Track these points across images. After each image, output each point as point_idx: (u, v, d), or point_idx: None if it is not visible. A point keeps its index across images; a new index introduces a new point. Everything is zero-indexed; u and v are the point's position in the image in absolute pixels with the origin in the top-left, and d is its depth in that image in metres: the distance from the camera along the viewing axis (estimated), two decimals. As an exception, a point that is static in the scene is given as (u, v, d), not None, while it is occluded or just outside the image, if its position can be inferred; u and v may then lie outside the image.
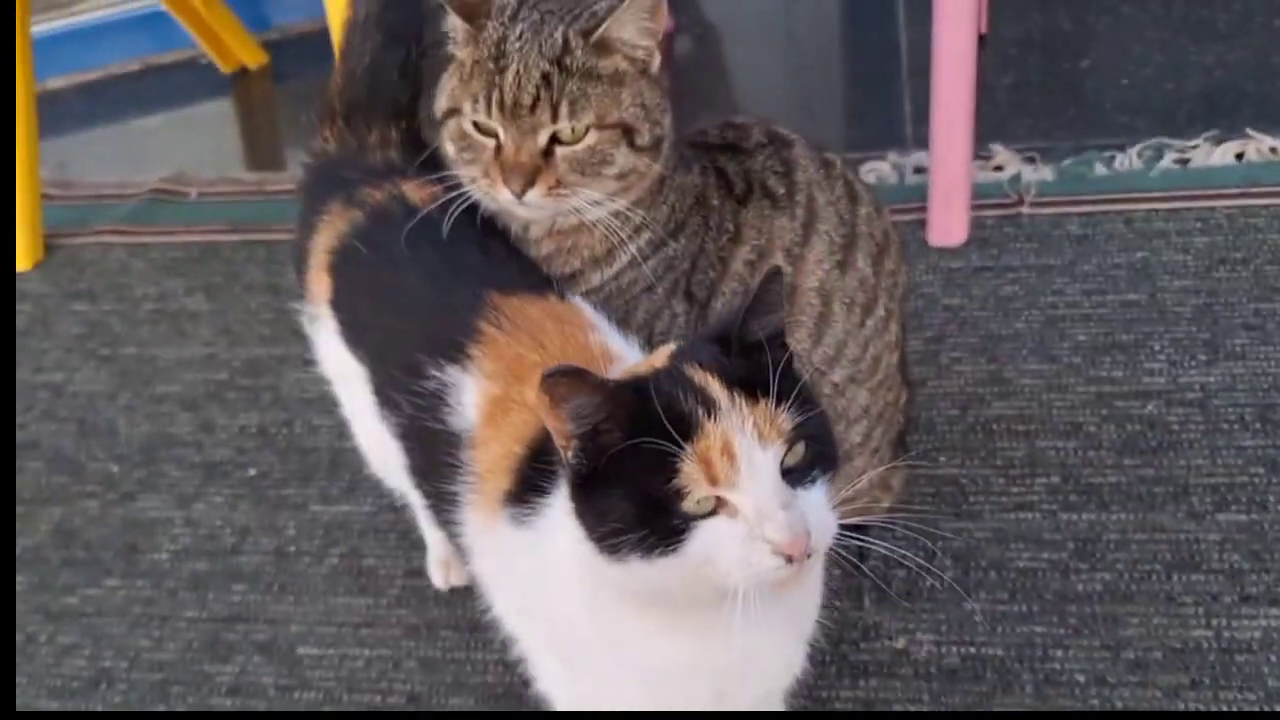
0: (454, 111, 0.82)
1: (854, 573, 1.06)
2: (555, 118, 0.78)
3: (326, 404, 1.29)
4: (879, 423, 0.98)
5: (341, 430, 1.25)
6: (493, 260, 0.84)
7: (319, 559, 1.14)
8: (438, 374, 0.79)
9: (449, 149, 0.83)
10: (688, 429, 0.60)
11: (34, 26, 1.51)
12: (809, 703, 0.98)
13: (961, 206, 1.40)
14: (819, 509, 0.63)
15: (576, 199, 0.80)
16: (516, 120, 0.78)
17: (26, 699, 1.06)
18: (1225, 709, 0.93)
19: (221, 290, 1.48)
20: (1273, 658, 0.96)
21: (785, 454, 0.61)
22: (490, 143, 0.80)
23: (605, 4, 0.81)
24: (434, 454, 0.80)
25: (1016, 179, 1.47)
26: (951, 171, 1.38)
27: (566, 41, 0.79)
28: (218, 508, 1.21)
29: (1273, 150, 1.46)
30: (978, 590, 1.04)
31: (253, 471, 1.24)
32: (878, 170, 1.53)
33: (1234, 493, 1.08)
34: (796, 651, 0.77)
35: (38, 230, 1.58)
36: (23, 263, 1.56)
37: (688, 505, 0.60)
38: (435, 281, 0.83)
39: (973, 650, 1.00)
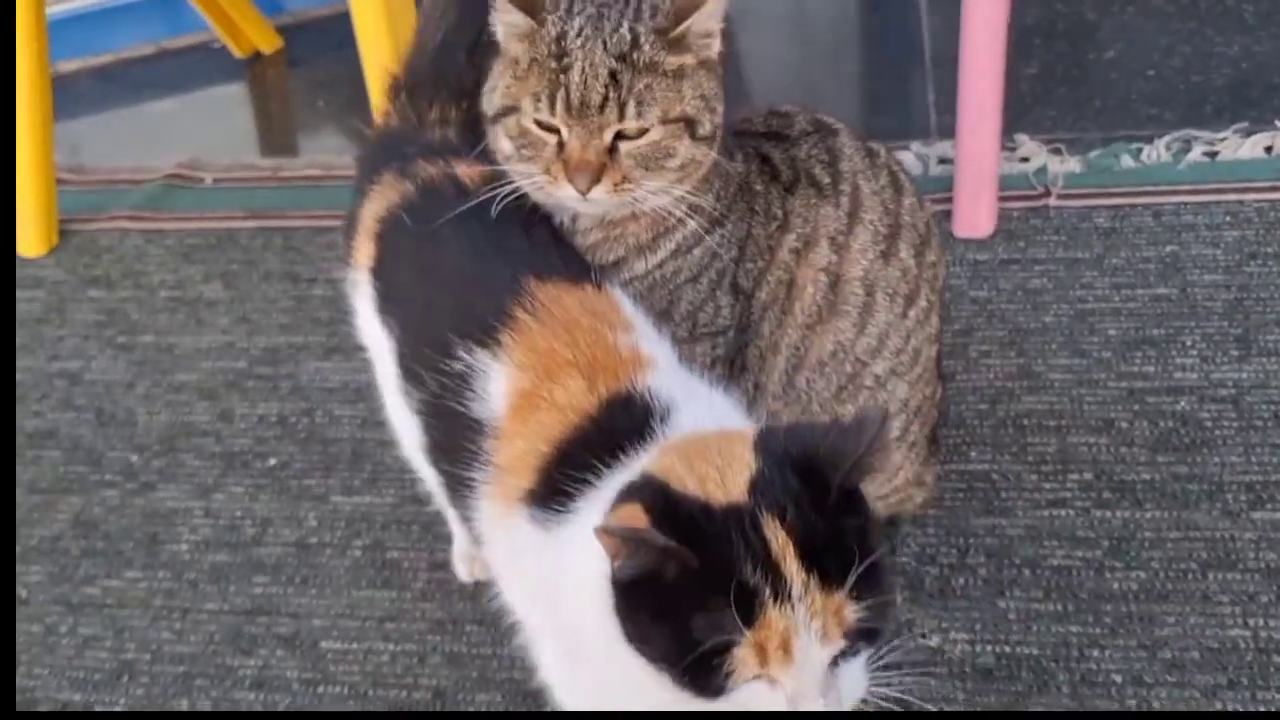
0: (511, 109, 0.79)
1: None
2: (622, 116, 0.76)
3: (348, 393, 1.29)
4: (916, 417, 0.97)
5: (364, 420, 1.25)
6: (534, 244, 0.82)
7: (341, 551, 1.13)
8: (466, 356, 0.78)
9: (504, 146, 0.81)
10: (750, 611, 0.57)
11: (47, 9, 1.48)
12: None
13: (989, 198, 1.38)
14: (855, 676, 0.62)
15: (639, 192, 0.78)
16: (583, 119, 0.76)
17: (48, 690, 1.05)
18: (1264, 709, 0.92)
19: (239, 278, 1.47)
20: (1311, 658, 0.95)
21: (844, 643, 0.59)
22: (552, 140, 0.78)
23: None
24: (454, 437, 0.78)
25: (1043, 171, 1.46)
26: (979, 163, 1.36)
27: (635, 37, 0.76)
28: (238, 498, 1.19)
29: (1304, 143, 1.44)
30: (1011, 588, 1.03)
31: (273, 461, 1.23)
32: (902, 160, 1.51)
33: (1269, 490, 1.07)
34: None
35: (52, 216, 1.56)
36: (37, 248, 1.55)
37: (731, 676, 0.59)
38: (474, 260, 0.82)
39: (1008, 649, 0.99)
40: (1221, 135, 1.46)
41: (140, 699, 1.03)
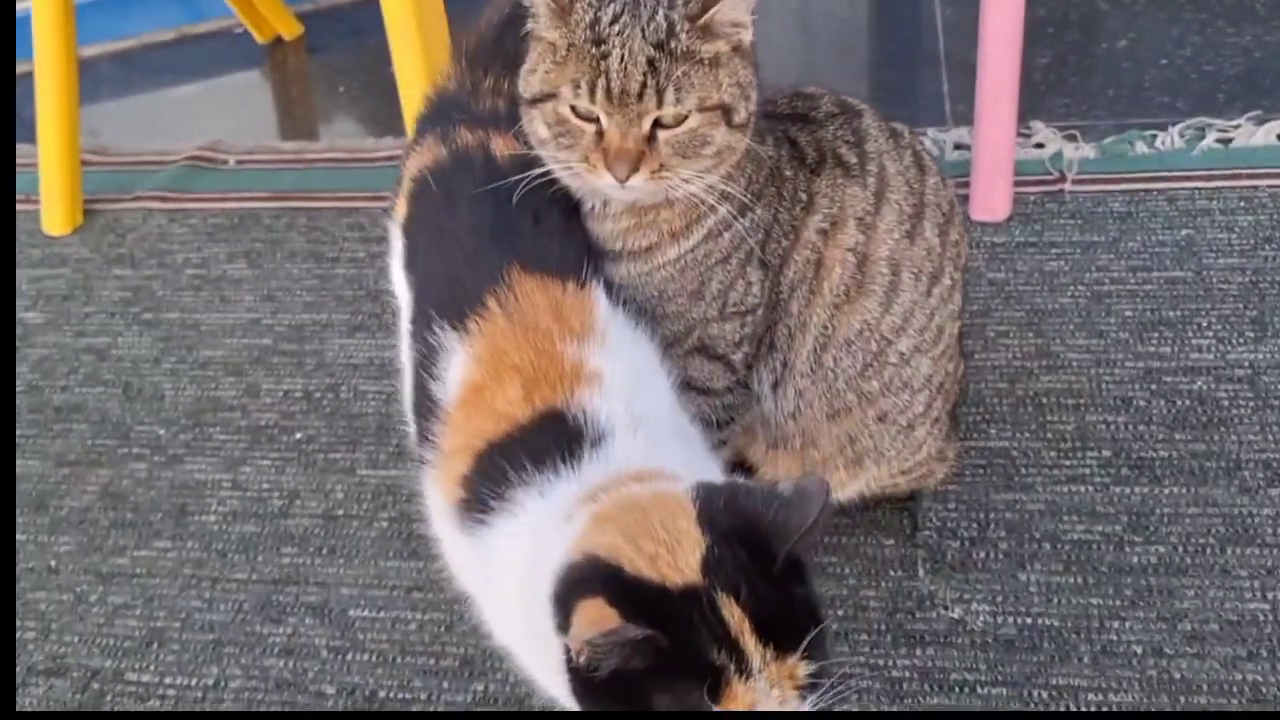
0: (550, 95, 0.79)
1: (908, 543, 1.07)
2: (661, 103, 0.77)
3: (372, 369, 1.31)
4: (940, 393, 0.99)
5: (388, 395, 1.26)
6: (539, 231, 0.83)
7: (368, 523, 1.15)
8: (440, 333, 0.79)
9: (541, 131, 0.81)
10: (716, 689, 0.59)
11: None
12: (867, 672, 0.98)
13: (1005, 183, 1.40)
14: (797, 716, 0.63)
15: (675, 179, 0.79)
16: (623, 107, 0.77)
17: (79, 657, 1.06)
18: (1283, 680, 0.93)
19: (263, 257, 1.48)
20: (1329, 630, 0.96)
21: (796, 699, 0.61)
22: (590, 128, 0.79)
23: None
24: (419, 408, 0.81)
25: (1058, 156, 1.47)
26: (995, 148, 1.38)
27: (671, 25, 0.77)
28: (265, 471, 1.21)
29: (1316, 131, 1.45)
30: (1032, 561, 1.04)
31: (299, 436, 1.24)
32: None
33: (1286, 468, 1.08)
34: None
35: (77, 195, 1.57)
36: (62, 227, 1.56)
37: None
38: (474, 237, 0.83)
39: (1029, 620, 1.00)
40: (1235, 123, 1.48)
41: (170, 665, 1.05)
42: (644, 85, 0.77)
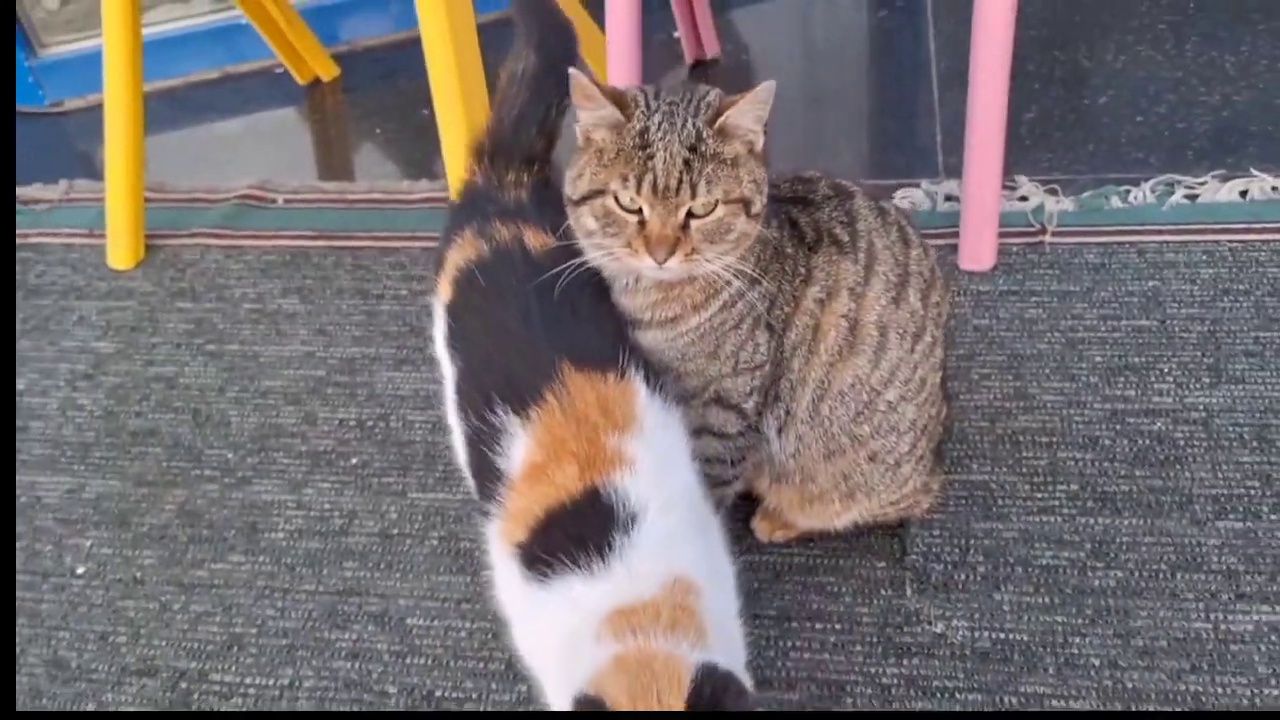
0: (598, 193, 0.94)
1: (897, 565, 1.21)
2: (695, 195, 0.92)
3: (418, 400, 1.45)
4: (923, 434, 1.13)
5: (433, 425, 1.41)
6: (578, 319, 0.97)
7: (420, 540, 1.29)
8: (502, 415, 0.94)
9: (588, 224, 0.95)
10: None
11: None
12: (860, 679, 1.13)
13: (991, 235, 1.54)
14: None
15: (703, 260, 0.94)
16: (664, 200, 0.92)
17: (167, 659, 1.21)
18: (1220, 691, 1.08)
19: (314, 293, 1.62)
20: (1263, 648, 1.11)
21: None
22: (633, 219, 0.93)
23: (714, 94, 0.95)
24: (482, 474, 0.96)
25: (1040, 209, 1.61)
26: (983, 203, 1.52)
27: (699, 131, 0.92)
28: (325, 493, 1.35)
29: (1274, 189, 1.59)
30: (1006, 583, 1.18)
31: (355, 461, 1.38)
32: (911, 196, 1.67)
33: (1232, 503, 1.23)
34: None
35: (140, 231, 1.71)
36: (126, 261, 1.70)
37: None
38: (525, 329, 0.97)
39: (1002, 635, 1.14)
40: (1202, 180, 1.62)
41: (249, 667, 1.19)
42: (681, 181, 0.92)
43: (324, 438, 1.42)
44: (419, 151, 1.89)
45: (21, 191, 1.88)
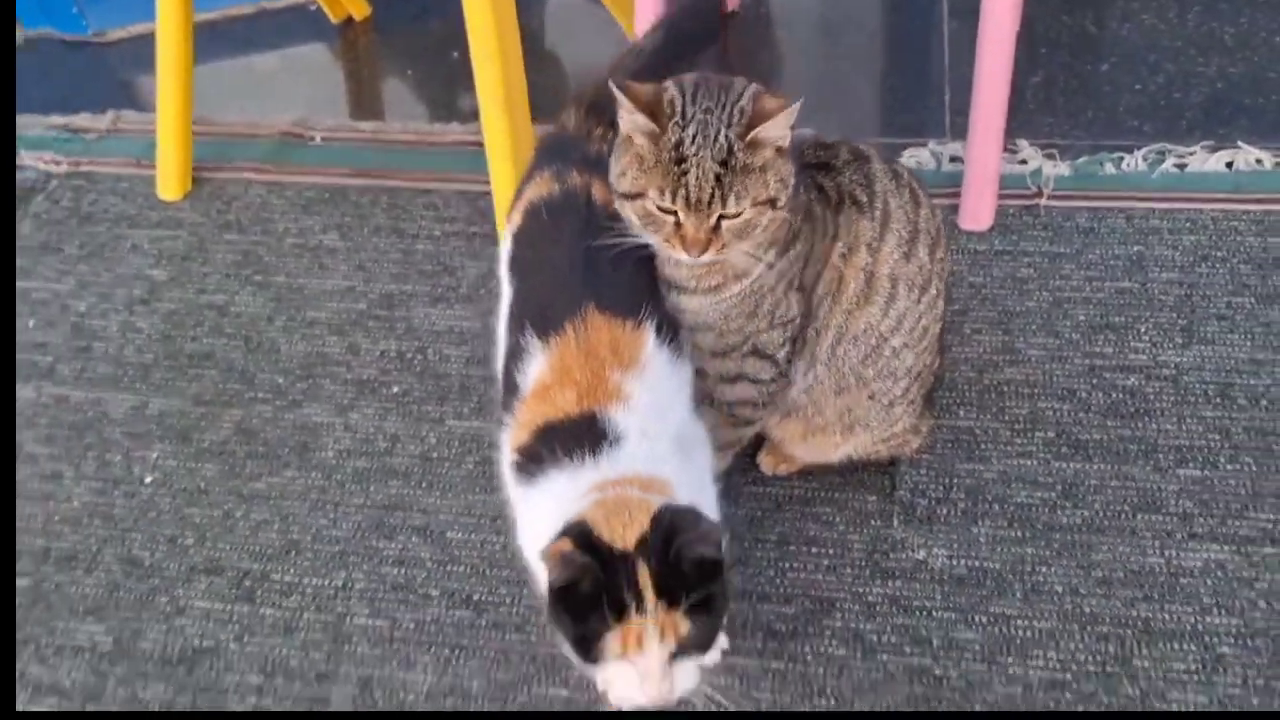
0: (639, 195, 1.03)
1: (886, 500, 1.35)
2: (725, 206, 1.01)
3: (453, 336, 1.57)
4: (917, 380, 1.25)
5: (468, 359, 1.53)
6: (615, 275, 1.08)
7: (457, 464, 1.42)
8: (529, 338, 1.06)
9: (632, 218, 1.04)
10: (621, 611, 0.89)
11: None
12: (849, 598, 1.27)
13: (991, 197, 1.64)
14: (686, 673, 0.93)
15: (734, 251, 1.05)
16: (697, 210, 1.01)
17: (231, 560, 1.35)
18: (1168, 618, 1.22)
19: (352, 230, 1.73)
20: (1209, 581, 1.25)
21: (677, 644, 0.90)
22: (670, 219, 1.03)
23: (748, 96, 1.01)
24: (507, 385, 1.09)
25: (1038, 173, 1.71)
26: (985, 166, 1.62)
27: (730, 145, 0.99)
28: (370, 418, 1.48)
29: (1258, 161, 1.70)
30: (983, 519, 1.32)
31: (396, 390, 1.51)
32: (918, 156, 1.77)
33: (1193, 453, 1.36)
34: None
35: (188, 161, 1.81)
36: (175, 192, 1.80)
37: (603, 652, 0.90)
38: (568, 270, 1.08)
39: (977, 563, 1.28)
40: (1191, 150, 1.72)
41: (307, 569, 1.33)
42: (713, 194, 1.01)
43: (367, 367, 1.54)
44: (449, 94, 1.97)
45: (68, 120, 1.97)
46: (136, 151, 1.88)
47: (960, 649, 1.22)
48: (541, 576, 0.99)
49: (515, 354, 1.08)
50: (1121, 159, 1.73)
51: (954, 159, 1.75)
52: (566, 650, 0.94)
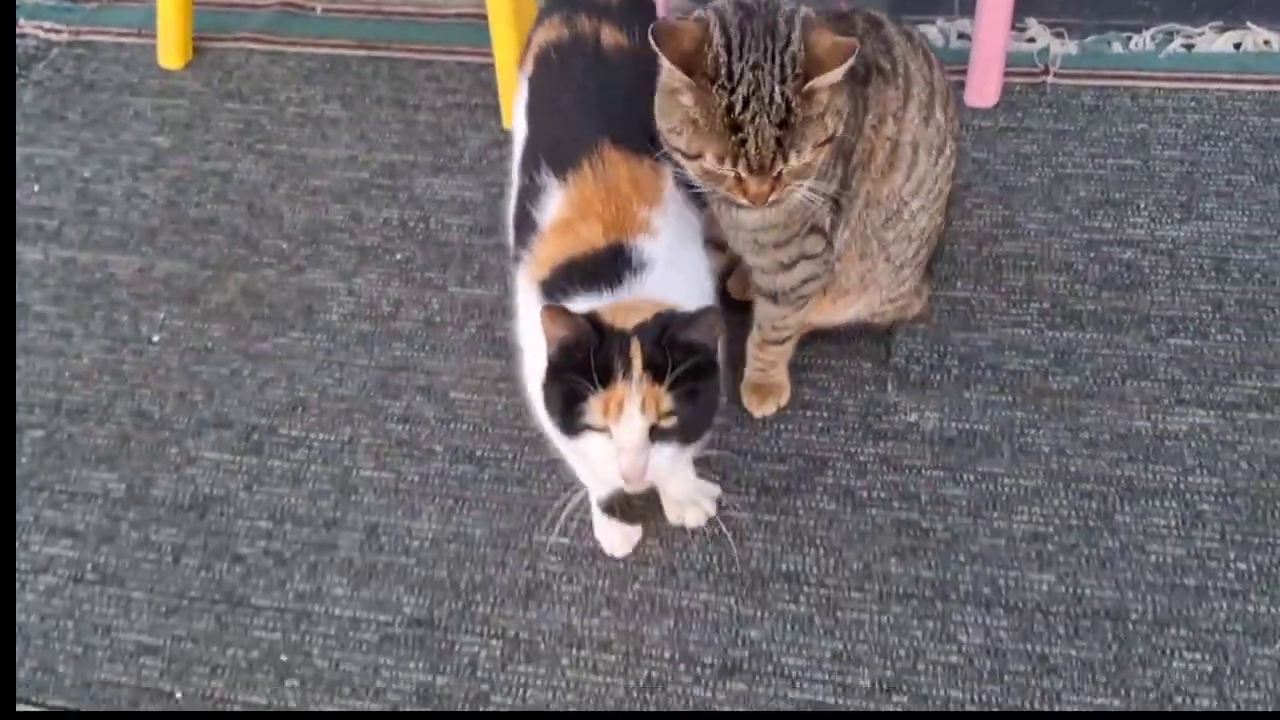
0: (698, 155, 0.98)
1: (881, 367, 1.37)
2: (786, 162, 0.98)
3: (455, 206, 1.57)
4: (926, 244, 1.27)
5: (470, 228, 1.54)
6: (629, 113, 1.07)
7: (460, 328, 1.44)
8: (545, 176, 1.08)
9: (689, 172, 1.02)
10: (607, 377, 0.91)
11: None
12: (841, 457, 1.31)
13: (997, 73, 1.64)
14: (665, 460, 0.95)
15: (794, 189, 1.02)
16: (759, 172, 0.98)
17: (240, 415, 1.38)
18: (1151, 477, 1.26)
19: (354, 100, 1.72)
20: (1193, 444, 1.28)
21: (658, 421, 0.93)
22: (731, 173, 0.98)
23: (797, 34, 0.96)
24: (521, 224, 1.11)
25: (1045, 51, 1.70)
26: (992, 42, 1.61)
27: (787, 102, 0.95)
28: (374, 284, 1.50)
29: (1265, 43, 1.68)
30: (975, 384, 1.35)
31: (399, 256, 1.52)
32: (926, 33, 1.75)
33: (1185, 324, 1.38)
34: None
35: (189, 31, 1.79)
36: (176, 61, 1.79)
37: (585, 417, 0.93)
38: (580, 108, 1.09)
39: (967, 426, 1.32)
40: (1200, 30, 1.70)
41: (313, 424, 1.36)
42: (774, 155, 0.98)
43: (370, 234, 1.55)
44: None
45: (68, -13, 1.95)
46: (136, 21, 1.87)
47: (947, 504, 1.25)
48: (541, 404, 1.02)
49: (531, 193, 1.10)
50: (1129, 38, 1.71)
51: (961, 36, 1.74)
52: (552, 432, 0.99)
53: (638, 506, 1.22)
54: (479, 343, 1.43)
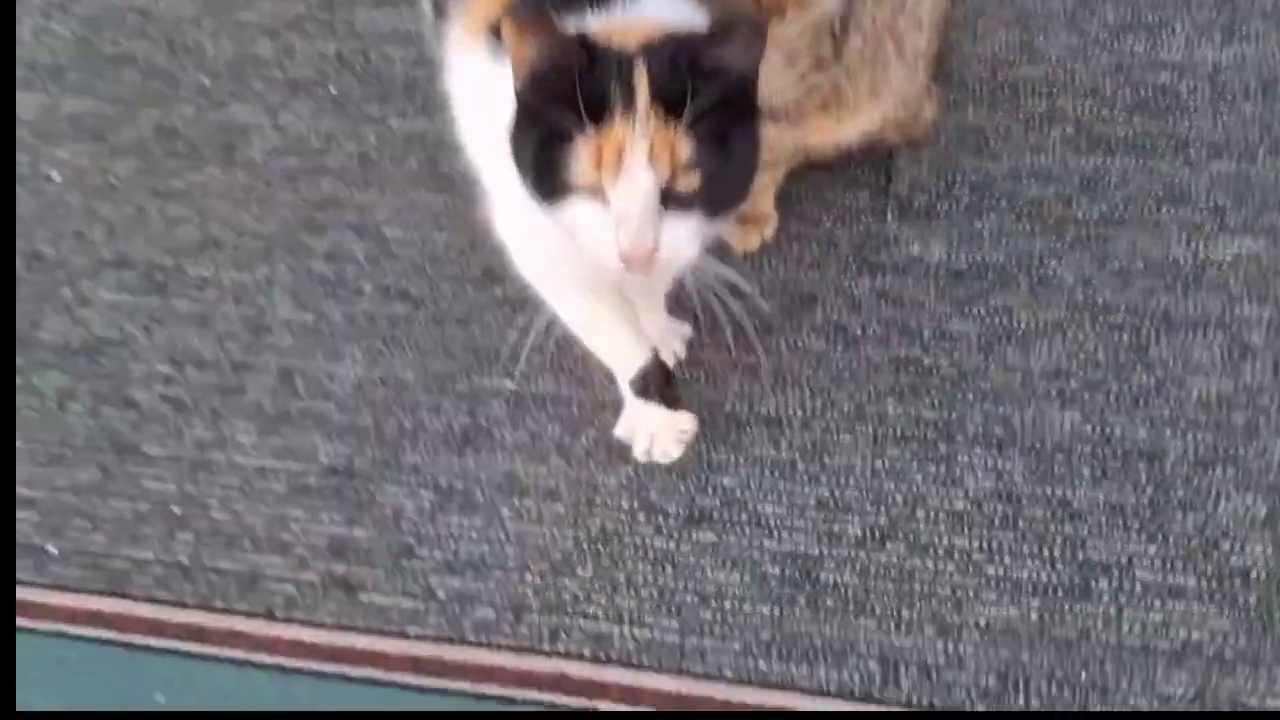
0: None
1: (880, 196, 1.19)
2: None
3: (399, 37, 1.39)
4: (936, 33, 1.09)
5: (415, 61, 1.36)
6: None
7: (400, 163, 1.27)
8: None
9: None
10: (600, 112, 0.65)
11: None
12: (833, 292, 1.13)
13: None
14: (681, 236, 0.68)
15: None
16: None
17: (143, 254, 1.21)
18: (1191, 307, 1.08)
19: (293, -67, 1.54)
20: (1240, 273, 1.10)
21: (672, 179, 0.66)
22: None
23: None
24: None
25: None
26: None
27: None
28: (304, 118, 1.32)
29: None
30: (988, 213, 1.17)
31: (334, 90, 1.35)
32: None
33: (1229, 148, 1.20)
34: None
35: None
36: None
37: (572, 174, 0.67)
38: None
39: (979, 258, 1.14)
40: None
41: (226, 263, 1.19)
42: None
43: (302, 68, 1.37)
44: None
45: None
46: None
47: (953, 340, 1.08)
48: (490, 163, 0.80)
49: None
50: None
51: None
52: (527, 194, 0.71)
53: (676, 383, 0.98)
54: (421, 177, 1.25)
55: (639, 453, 0.97)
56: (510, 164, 0.72)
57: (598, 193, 0.67)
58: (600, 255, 0.69)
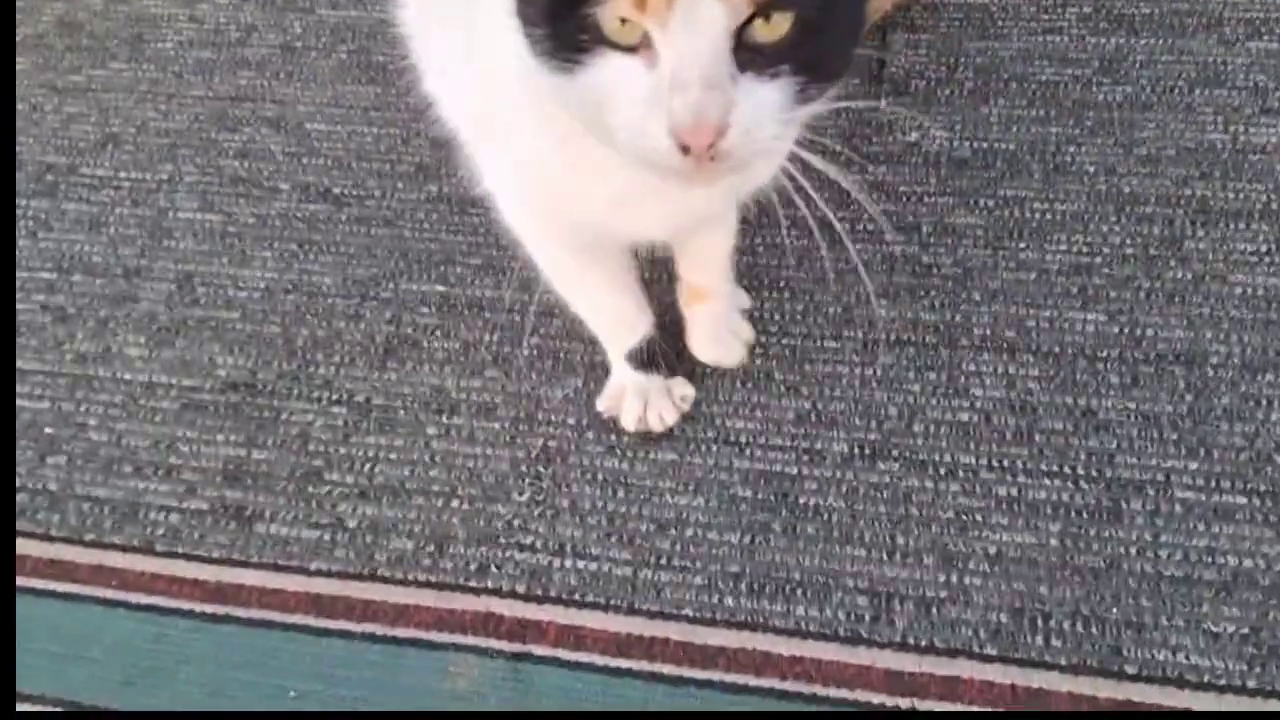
0: None
1: (873, 83, 1.05)
2: None
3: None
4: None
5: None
6: None
7: (327, 53, 1.12)
8: None
9: None
10: None
11: None
12: (816, 185, 0.98)
13: None
14: (763, 111, 0.47)
15: None
16: None
17: (34, 154, 1.07)
18: (1232, 195, 0.93)
19: None
20: (1285, 159, 0.95)
21: (750, 23, 0.46)
22: None
23: None
24: None
25: None
26: None
27: None
28: (222, 7, 1.18)
29: None
30: (996, 98, 1.02)
31: (259, -21, 1.20)
32: None
33: (1268, 25, 1.05)
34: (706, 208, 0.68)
35: None
36: None
37: (603, 19, 0.46)
38: None
39: (985, 145, 0.99)
40: None
41: (126, 162, 1.05)
42: None
43: (225, -44, 1.23)
44: None
45: None
46: None
47: (958, 235, 0.93)
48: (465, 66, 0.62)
49: None
50: None
51: None
52: (537, 59, 0.49)
53: (669, 350, 0.85)
54: (349, 69, 1.11)
55: (630, 423, 0.83)
56: (512, 22, 0.51)
57: (642, 45, 0.47)
58: (642, 141, 0.48)
